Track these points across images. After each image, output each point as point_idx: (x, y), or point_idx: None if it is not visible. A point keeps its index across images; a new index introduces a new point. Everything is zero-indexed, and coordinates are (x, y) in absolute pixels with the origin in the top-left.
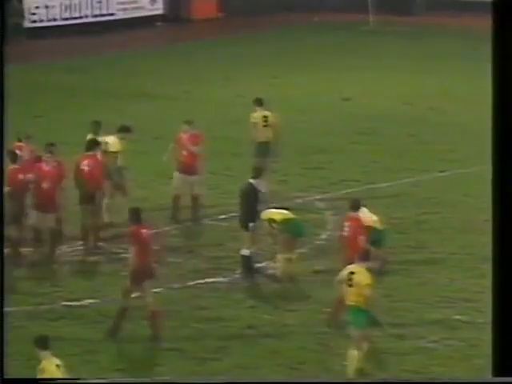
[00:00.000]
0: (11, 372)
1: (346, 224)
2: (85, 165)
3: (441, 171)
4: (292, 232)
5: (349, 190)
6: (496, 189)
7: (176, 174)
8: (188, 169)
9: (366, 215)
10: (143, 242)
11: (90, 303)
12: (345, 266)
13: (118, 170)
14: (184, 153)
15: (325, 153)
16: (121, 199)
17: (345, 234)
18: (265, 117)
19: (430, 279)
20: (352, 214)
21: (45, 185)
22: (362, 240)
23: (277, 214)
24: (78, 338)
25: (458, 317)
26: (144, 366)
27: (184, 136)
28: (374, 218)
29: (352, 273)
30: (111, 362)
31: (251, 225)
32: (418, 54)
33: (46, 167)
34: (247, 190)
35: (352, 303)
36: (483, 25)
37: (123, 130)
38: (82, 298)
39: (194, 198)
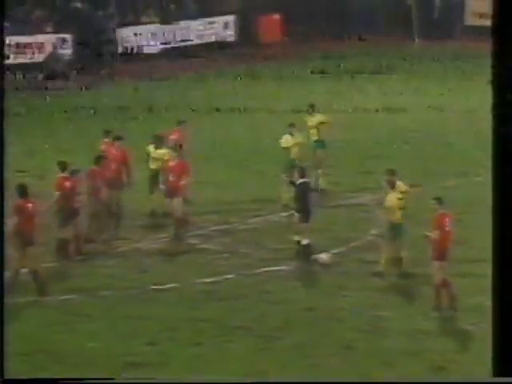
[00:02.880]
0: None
1: (447, 220)
2: None
3: (477, 175)
4: (395, 233)
5: None
6: (497, 192)
7: (104, 190)
8: (112, 183)
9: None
10: (28, 214)
11: (173, 287)
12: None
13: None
14: (112, 167)
15: (376, 159)
16: None
17: (447, 229)
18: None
19: (469, 271)
20: (444, 211)
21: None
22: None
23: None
24: (162, 317)
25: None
26: (217, 341)
27: (114, 151)
28: None
29: None
30: (190, 338)
31: (310, 216)
32: (458, 73)
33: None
34: (305, 188)
35: None
36: None
37: (291, 126)
38: (165, 283)
39: (117, 212)
